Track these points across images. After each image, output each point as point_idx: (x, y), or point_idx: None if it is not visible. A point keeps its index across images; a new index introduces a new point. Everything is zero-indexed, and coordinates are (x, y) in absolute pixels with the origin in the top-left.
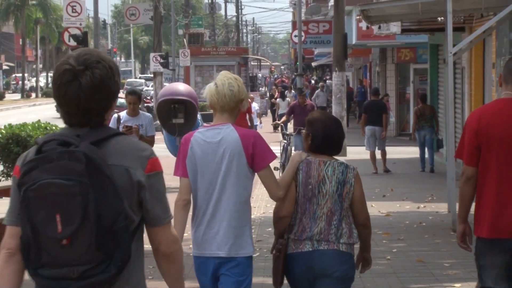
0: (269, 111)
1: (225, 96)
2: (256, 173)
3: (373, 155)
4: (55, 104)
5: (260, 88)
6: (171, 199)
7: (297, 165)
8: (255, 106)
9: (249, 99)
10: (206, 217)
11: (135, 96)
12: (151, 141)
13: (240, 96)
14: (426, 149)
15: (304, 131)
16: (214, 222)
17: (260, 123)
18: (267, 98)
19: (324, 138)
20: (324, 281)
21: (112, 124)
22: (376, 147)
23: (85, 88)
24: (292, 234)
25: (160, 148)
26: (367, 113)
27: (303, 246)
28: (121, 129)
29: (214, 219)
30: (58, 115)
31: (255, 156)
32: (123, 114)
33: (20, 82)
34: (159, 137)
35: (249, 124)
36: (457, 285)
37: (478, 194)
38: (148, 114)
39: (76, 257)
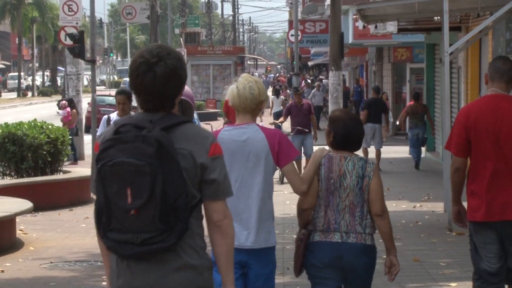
0: (268, 109)
1: (246, 99)
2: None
3: (365, 151)
4: (57, 102)
5: None
6: None
7: (319, 161)
8: None
9: None
10: (235, 211)
11: (125, 96)
12: None
13: (261, 98)
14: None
15: (325, 128)
16: (242, 216)
17: (261, 121)
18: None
19: (345, 137)
20: (350, 274)
21: (102, 126)
22: (373, 145)
23: (160, 76)
24: (319, 226)
25: None
26: (369, 110)
27: (332, 237)
28: None
29: (243, 213)
30: (54, 113)
31: (280, 153)
32: (114, 115)
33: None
34: None
35: None
36: (453, 284)
37: (470, 183)
38: None
39: (141, 226)
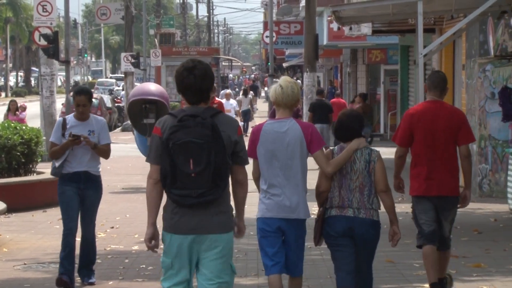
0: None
1: (288, 96)
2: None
3: None
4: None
5: (236, 89)
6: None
7: (354, 151)
8: (233, 103)
9: (220, 100)
10: (276, 188)
11: (85, 97)
12: (106, 150)
13: (298, 96)
14: None
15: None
16: (282, 192)
17: (241, 121)
18: (238, 98)
19: (336, 131)
20: (360, 243)
21: (56, 129)
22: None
23: (198, 76)
24: (335, 204)
25: (131, 148)
26: (314, 112)
27: (346, 211)
28: (67, 136)
29: (283, 190)
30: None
31: (312, 142)
32: (70, 117)
33: None
34: (129, 137)
35: None
36: (426, 285)
37: (413, 168)
38: (101, 118)
39: (198, 184)
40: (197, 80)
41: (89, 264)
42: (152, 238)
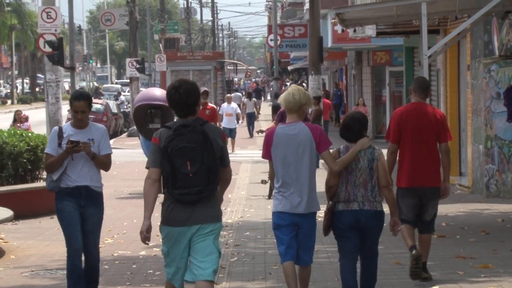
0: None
1: (290, 102)
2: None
3: None
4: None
5: (242, 92)
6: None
7: (358, 152)
8: (234, 106)
9: (214, 106)
10: (288, 185)
11: (85, 102)
12: (107, 162)
13: (301, 101)
14: None
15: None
16: (294, 189)
17: (239, 122)
18: (243, 101)
19: (340, 131)
20: (366, 232)
21: (52, 139)
22: None
23: (183, 94)
24: (342, 198)
25: (137, 153)
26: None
27: (352, 205)
28: (63, 146)
29: (294, 186)
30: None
31: (320, 143)
32: (66, 126)
33: None
34: (135, 142)
35: None
36: (434, 287)
37: (399, 161)
38: (101, 125)
39: (195, 183)
40: (182, 97)
41: (94, 282)
42: (147, 231)
